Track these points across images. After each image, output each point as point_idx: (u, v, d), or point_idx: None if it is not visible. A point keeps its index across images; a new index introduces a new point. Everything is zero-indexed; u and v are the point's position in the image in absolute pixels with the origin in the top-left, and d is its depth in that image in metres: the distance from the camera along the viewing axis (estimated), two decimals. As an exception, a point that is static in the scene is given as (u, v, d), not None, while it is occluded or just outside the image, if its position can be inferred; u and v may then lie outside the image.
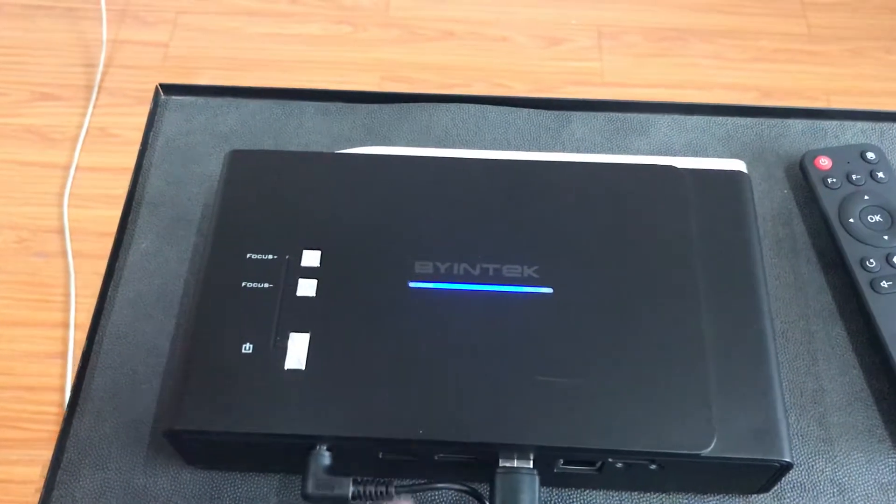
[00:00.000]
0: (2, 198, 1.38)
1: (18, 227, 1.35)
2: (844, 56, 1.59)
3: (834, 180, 0.51)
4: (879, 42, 1.61)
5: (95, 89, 1.49)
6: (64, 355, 1.24)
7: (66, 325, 1.26)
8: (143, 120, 0.58)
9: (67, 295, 1.28)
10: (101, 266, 0.52)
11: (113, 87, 1.51)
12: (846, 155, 0.53)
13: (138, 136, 0.57)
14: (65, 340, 1.24)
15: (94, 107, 1.49)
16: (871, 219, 0.50)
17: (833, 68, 1.57)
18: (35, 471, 1.13)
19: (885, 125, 0.57)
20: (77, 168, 1.41)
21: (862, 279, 0.48)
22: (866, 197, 0.51)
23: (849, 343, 0.49)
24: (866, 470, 0.45)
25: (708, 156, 0.55)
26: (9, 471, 1.13)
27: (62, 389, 1.21)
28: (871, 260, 0.48)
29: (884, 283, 0.48)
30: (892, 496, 0.44)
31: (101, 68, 1.52)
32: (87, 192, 1.39)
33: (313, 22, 1.58)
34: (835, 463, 0.45)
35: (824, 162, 0.52)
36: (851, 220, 0.50)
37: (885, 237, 0.49)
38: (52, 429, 1.16)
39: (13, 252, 1.33)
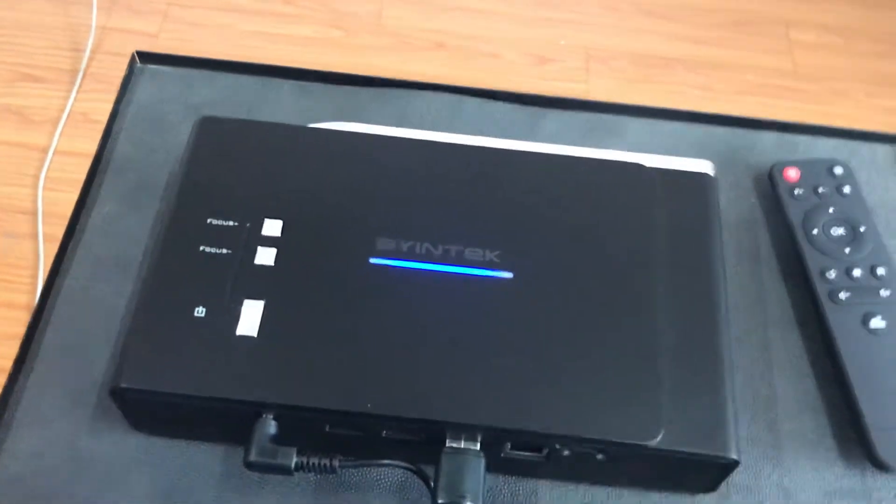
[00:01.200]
0: (-24, 176, 1.36)
1: (-10, 207, 1.33)
2: (828, 95, 1.61)
3: (801, 191, 0.52)
4: (863, 84, 1.63)
5: (80, 74, 1.48)
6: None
7: (29, 309, 1.24)
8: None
9: (35, 277, 1.26)
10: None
11: (98, 73, 1.50)
12: (814, 168, 0.53)
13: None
14: (27, 323, 1.22)
15: (78, 91, 1.48)
16: (834, 232, 0.50)
17: (816, 106, 1.58)
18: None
19: (854, 143, 0.58)
20: (55, 151, 1.39)
21: (821, 290, 0.49)
22: (831, 210, 0.51)
23: (804, 352, 0.49)
24: (812, 477, 0.45)
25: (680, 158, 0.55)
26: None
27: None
28: (832, 272, 0.49)
29: (842, 295, 0.48)
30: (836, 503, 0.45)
31: (87, 54, 1.50)
32: (63, 177, 1.37)
33: (306, 24, 1.57)
34: (782, 468, 0.46)
35: (793, 173, 0.53)
36: (815, 231, 0.50)
37: (847, 250, 0.50)
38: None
39: (-18, 231, 1.31)
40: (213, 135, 0.48)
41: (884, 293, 0.48)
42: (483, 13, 1.68)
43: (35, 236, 1.30)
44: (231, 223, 0.45)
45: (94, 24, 1.53)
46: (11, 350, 1.21)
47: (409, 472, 0.43)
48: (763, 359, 0.49)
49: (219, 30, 1.54)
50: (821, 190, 0.52)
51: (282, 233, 0.45)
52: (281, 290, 0.43)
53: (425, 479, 0.41)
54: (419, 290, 0.43)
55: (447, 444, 0.40)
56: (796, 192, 0.52)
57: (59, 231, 1.35)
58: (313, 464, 0.40)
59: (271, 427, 0.40)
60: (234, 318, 0.42)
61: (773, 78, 1.62)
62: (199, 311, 0.42)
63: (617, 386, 0.41)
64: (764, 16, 1.75)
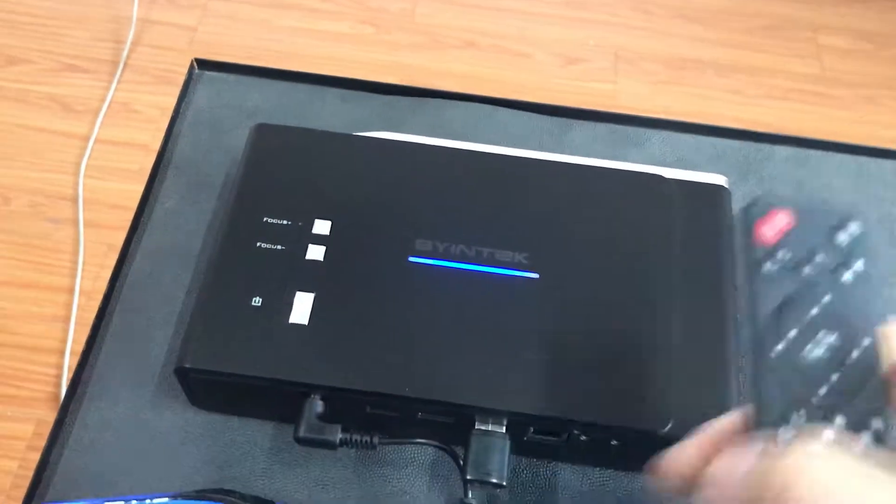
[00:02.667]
0: (21, 162, 1.42)
1: (34, 192, 1.39)
2: (857, 101, 1.63)
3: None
4: (892, 91, 1.65)
5: (121, 65, 1.53)
6: (66, 319, 1.27)
7: (71, 291, 1.29)
8: (166, 99, 0.62)
9: (75, 262, 1.32)
10: (111, 237, 0.56)
11: (138, 64, 1.55)
12: (813, 222, 0.32)
13: (159, 115, 0.61)
14: (68, 305, 1.28)
15: (119, 82, 1.53)
16: (816, 349, 0.30)
17: (845, 112, 1.61)
18: (27, 428, 1.16)
19: (863, 159, 0.61)
20: (96, 140, 1.44)
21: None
22: (814, 311, 0.30)
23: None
24: (811, 468, 0.49)
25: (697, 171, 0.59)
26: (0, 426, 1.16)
27: (62, 352, 1.24)
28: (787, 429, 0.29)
29: None
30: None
31: (128, 45, 1.56)
32: (103, 165, 1.42)
33: (340, 20, 1.62)
34: (783, 459, 0.49)
35: (781, 221, 0.32)
36: (792, 332, 0.30)
37: (822, 389, 0.29)
38: (49, 390, 1.19)
39: (27, 215, 1.37)
40: (267, 140, 0.53)
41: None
42: (514, 12, 1.72)
43: (76, 222, 1.36)
44: (285, 222, 0.49)
45: (134, 16, 1.59)
46: (57, 332, 1.26)
47: (440, 451, 0.47)
48: (769, 359, 0.53)
49: (256, 24, 1.60)
50: (817, 259, 0.31)
51: (331, 232, 0.49)
52: (329, 284, 0.47)
53: (455, 458, 0.46)
54: (453, 287, 0.48)
55: (476, 427, 0.44)
56: (779, 254, 0.31)
57: (99, 218, 1.40)
58: (355, 440, 0.45)
59: (319, 406, 0.45)
60: (287, 307, 0.46)
61: (801, 83, 1.64)
62: (256, 301, 0.46)
63: (631, 378, 0.45)
64: (794, 21, 1.77)
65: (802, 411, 0.29)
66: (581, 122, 0.62)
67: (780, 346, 0.30)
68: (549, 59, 1.62)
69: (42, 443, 0.48)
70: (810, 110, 1.59)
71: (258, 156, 0.52)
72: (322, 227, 0.49)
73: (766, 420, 0.29)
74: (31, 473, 0.47)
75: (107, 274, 0.54)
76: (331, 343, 0.45)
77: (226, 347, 0.45)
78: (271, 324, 0.46)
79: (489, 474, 0.43)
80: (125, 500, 0.43)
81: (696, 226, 0.50)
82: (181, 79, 0.62)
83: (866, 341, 0.30)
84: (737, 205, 0.57)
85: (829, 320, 0.30)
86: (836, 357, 0.30)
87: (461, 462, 0.45)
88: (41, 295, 1.28)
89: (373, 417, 0.46)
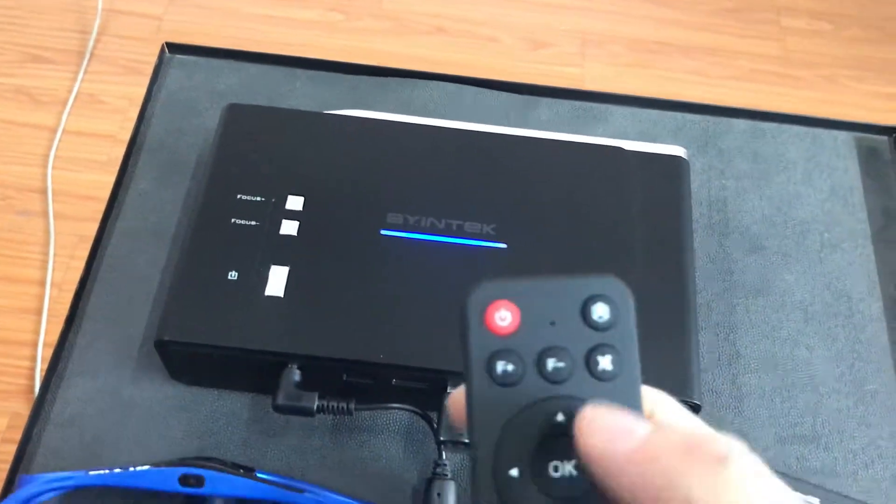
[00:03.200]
0: (-12, 156, 1.41)
1: (3, 185, 1.38)
2: (818, 81, 1.67)
3: (511, 368, 0.24)
4: (853, 71, 1.69)
5: (87, 56, 1.53)
6: (38, 312, 1.27)
7: (42, 283, 1.29)
8: (133, 89, 0.63)
9: (46, 254, 1.32)
10: (81, 228, 0.57)
11: (105, 55, 1.55)
12: (552, 305, 0.25)
13: (127, 105, 0.62)
14: (40, 298, 1.27)
15: (85, 73, 1.52)
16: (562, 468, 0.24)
17: (806, 92, 1.64)
18: (1, 421, 1.16)
19: (817, 130, 0.63)
20: (64, 132, 1.44)
21: None
22: (560, 417, 0.24)
23: (766, 315, 0.55)
24: (768, 424, 0.52)
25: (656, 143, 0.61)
26: (-28, 419, 1.15)
27: (35, 345, 1.24)
28: None
29: None
30: (788, 448, 0.51)
31: (94, 35, 1.55)
32: (72, 156, 1.42)
33: (309, 7, 1.62)
34: (742, 417, 0.52)
35: (504, 317, 0.25)
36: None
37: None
38: (22, 382, 1.19)
39: (-4, 209, 1.36)
40: (239, 120, 0.54)
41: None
42: (482, -3, 1.72)
43: (46, 214, 1.36)
44: (258, 198, 0.50)
45: (100, 6, 1.58)
46: (29, 324, 1.26)
47: (415, 416, 0.49)
48: (728, 322, 0.55)
49: (223, 13, 1.59)
50: (552, 365, 0.24)
51: (303, 207, 0.50)
52: (304, 257, 0.49)
53: (429, 421, 0.47)
54: (424, 258, 0.49)
55: (448, 391, 0.46)
56: (500, 368, 0.24)
57: (69, 209, 1.40)
58: (332, 406, 0.46)
59: (296, 375, 0.46)
60: (263, 281, 0.48)
61: (764, 64, 1.68)
62: (232, 275, 0.48)
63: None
64: (758, 3, 1.80)
65: None
66: (546, 99, 0.64)
67: (514, 471, 0.23)
68: (517, 43, 1.64)
69: (18, 435, 0.49)
70: (772, 90, 1.62)
71: (231, 135, 0.53)
72: (295, 202, 0.51)
73: None
74: (6, 466, 0.48)
75: (78, 265, 0.55)
76: (306, 314, 0.47)
77: (204, 320, 0.47)
78: (248, 296, 0.47)
79: (462, 435, 0.45)
80: (109, 470, 0.44)
81: (655, 194, 0.52)
82: (148, 68, 0.63)
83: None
84: (695, 176, 0.59)
85: (570, 439, 0.23)
86: (584, 482, 0.23)
87: (435, 425, 0.47)
88: (12, 288, 1.28)
89: (349, 385, 0.48)
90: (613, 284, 0.25)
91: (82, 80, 1.49)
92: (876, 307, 0.56)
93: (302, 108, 0.62)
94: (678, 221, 0.52)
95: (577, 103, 0.64)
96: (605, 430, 0.22)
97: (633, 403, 0.24)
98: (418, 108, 0.62)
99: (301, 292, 0.47)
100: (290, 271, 0.48)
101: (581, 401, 0.23)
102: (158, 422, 0.50)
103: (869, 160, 0.63)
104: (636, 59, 1.65)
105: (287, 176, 0.52)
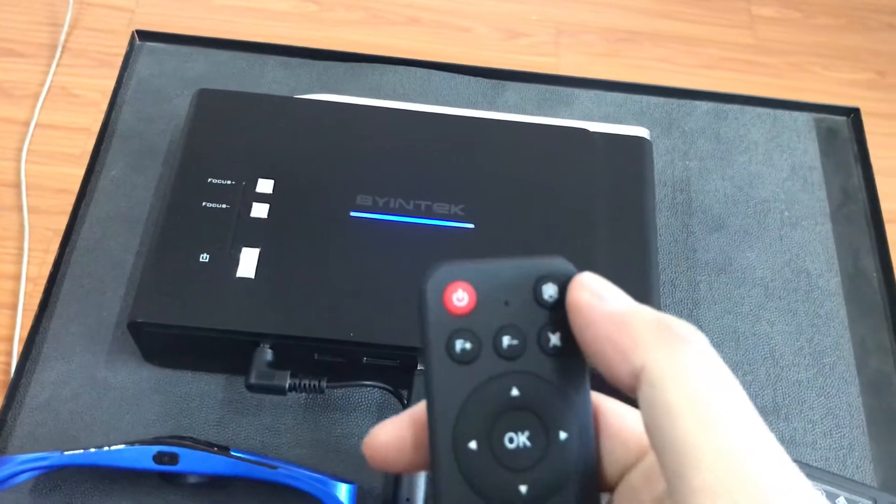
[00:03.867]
0: (-41, 151, 1.40)
1: (-25, 180, 1.37)
2: (787, 69, 1.69)
3: (469, 347, 0.25)
4: (821, 58, 1.71)
5: (59, 49, 1.52)
6: (14, 307, 1.26)
7: (17, 278, 1.28)
8: (106, 82, 0.63)
9: (21, 248, 1.31)
10: (56, 222, 0.57)
11: (77, 47, 1.54)
12: (506, 285, 0.26)
13: (100, 97, 0.62)
14: (15, 292, 1.27)
15: (57, 66, 1.51)
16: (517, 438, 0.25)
17: (775, 79, 1.66)
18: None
19: (778, 112, 0.65)
20: (37, 125, 1.43)
21: None
22: (515, 392, 0.25)
23: (728, 291, 0.57)
24: (731, 396, 0.53)
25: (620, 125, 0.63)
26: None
27: (10, 339, 1.23)
28: None
29: None
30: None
31: (66, 28, 1.54)
32: (45, 150, 1.41)
33: (281, -2, 1.62)
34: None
35: (461, 297, 0.25)
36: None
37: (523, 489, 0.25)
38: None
39: (-32, 204, 1.35)
40: (209, 105, 0.55)
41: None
42: (456, -13, 1.73)
43: (20, 208, 1.35)
44: (229, 182, 0.51)
45: (71, -1, 1.56)
46: (4, 319, 1.24)
47: (386, 394, 0.50)
48: (691, 299, 0.56)
49: (195, 4, 1.59)
50: (507, 342, 0.25)
51: (273, 190, 0.51)
52: (274, 239, 0.49)
53: (400, 398, 0.49)
54: (393, 238, 0.50)
55: (418, 368, 0.47)
56: (458, 347, 0.25)
57: (43, 203, 1.38)
58: (304, 385, 0.47)
59: (268, 355, 0.47)
60: (234, 263, 0.48)
61: (734, 52, 1.70)
62: (204, 257, 0.49)
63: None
64: (728, -10, 1.82)
65: None
66: (514, 83, 0.65)
67: (472, 444, 0.25)
68: (491, 33, 1.65)
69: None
70: (741, 78, 1.64)
71: (201, 120, 0.54)
72: (265, 185, 0.51)
73: None
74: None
75: (53, 259, 0.55)
76: (277, 294, 0.48)
77: (176, 302, 0.47)
78: (219, 278, 0.48)
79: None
80: (84, 450, 0.45)
81: (619, 174, 0.54)
82: (120, 61, 0.63)
83: (564, 433, 0.25)
84: (659, 157, 0.60)
85: (524, 412, 0.25)
86: (535, 453, 0.25)
87: (405, 402, 0.48)
88: (-14, 283, 1.27)
89: (321, 364, 0.48)
90: (561, 265, 0.26)
91: (55, 74, 1.48)
92: (834, 282, 0.58)
93: (271, 93, 0.62)
94: (642, 200, 0.53)
95: (545, 87, 0.65)
96: (596, 289, 0.25)
97: (581, 375, 0.25)
98: (388, 93, 0.63)
99: (272, 274, 0.48)
100: (260, 253, 0.49)
101: (536, 376, 0.25)
102: (133, 403, 0.51)
103: (828, 140, 0.64)
104: (609, 48, 1.67)
105: (257, 159, 0.52)
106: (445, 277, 0.25)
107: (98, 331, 0.53)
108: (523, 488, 0.25)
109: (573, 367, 0.25)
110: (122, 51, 0.64)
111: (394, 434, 0.26)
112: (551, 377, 0.25)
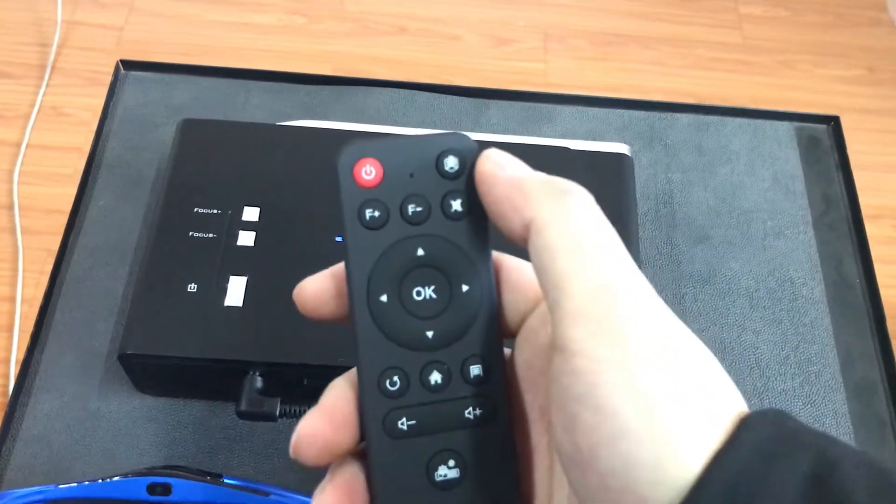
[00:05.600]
0: (-48, 173, 1.41)
1: (-32, 203, 1.38)
2: (777, 67, 1.70)
3: (378, 214, 0.28)
4: (810, 56, 1.72)
5: (49, 69, 1.52)
6: (9, 328, 1.26)
7: (12, 300, 1.29)
8: (96, 101, 0.63)
9: (15, 270, 1.32)
10: (50, 242, 0.58)
11: (66, 67, 1.54)
12: (410, 160, 0.28)
13: (90, 117, 0.63)
14: (10, 314, 1.27)
15: (47, 86, 1.52)
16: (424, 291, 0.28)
17: (765, 78, 1.67)
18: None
19: (759, 121, 0.66)
20: (28, 146, 1.43)
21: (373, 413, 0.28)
22: (421, 252, 0.28)
23: (713, 302, 0.57)
24: (718, 408, 0.54)
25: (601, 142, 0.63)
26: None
27: (7, 362, 1.24)
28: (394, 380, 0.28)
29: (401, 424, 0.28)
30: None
31: (54, 48, 1.55)
32: (37, 170, 1.42)
33: (269, 12, 1.63)
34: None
35: (369, 171, 0.28)
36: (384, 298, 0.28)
37: (430, 333, 0.28)
38: (-3, 400, 1.19)
39: (-37, 227, 1.36)
40: (194, 134, 0.55)
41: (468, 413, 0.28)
42: (445, -5, 1.74)
43: (13, 230, 1.36)
44: (215, 211, 0.52)
45: (59, 18, 1.58)
46: (1, 341, 1.25)
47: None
48: (677, 310, 0.57)
49: (184, 21, 1.60)
50: (412, 208, 0.28)
51: (259, 218, 0.52)
52: (261, 267, 0.50)
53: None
54: (379, 262, 0.51)
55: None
56: (368, 214, 0.28)
57: (36, 224, 1.39)
58: (294, 410, 0.48)
59: (258, 382, 0.48)
60: (222, 291, 0.49)
61: (723, 52, 1.71)
62: (192, 287, 0.49)
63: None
64: (715, -10, 1.83)
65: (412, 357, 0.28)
66: (497, 101, 0.66)
67: (384, 297, 0.28)
68: (481, 40, 1.66)
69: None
70: (731, 77, 1.65)
71: (186, 150, 0.54)
72: (251, 213, 0.52)
73: (369, 377, 0.28)
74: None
75: (48, 280, 0.56)
76: (265, 322, 0.48)
77: (166, 332, 0.48)
78: (207, 307, 0.49)
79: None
80: (78, 483, 0.45)
81: (601, 191, 0.54)
82: (109, 79, 0.64)
83: (465, 286, 0.28)
84: (642, 170, 0.61)
85: (429, 268, 0.28)
86: (441, 303, 0.28)
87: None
88: (-19, 306, 1.28)
89: (310, 389, 0.49)
90: (461, 139, 0.28)
91: (45, 94, 1.49)
92: (818, 290, 0.58)
93: (256, 120, 0.63)
94: (624, 216, 0.54)
95: (528, 104, 0.66)
96: (498, 160, 0.28)
97: (481, 236, 0.28)
98: (372, 115, 0.64)
99: (259, 301, 0.49)
100: (248, 281, 0.49)
101: (440, 238, 0.28)
102: (126, 433, 0.51)
103: (809, 148, 0.65)
104: (597, 52, 1.68)
105: (242, 188, 0.53)
106: (355, 155, 0.28)
107: (90, 361, 0.53)
108: (430, 333, 0.28)
109: (473, 229, 0.28)
110: (112, 69, 0.64)
111: (318, 285, 0.30)
112: (454, 238, 0.28)
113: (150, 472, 0.46)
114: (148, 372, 0.49)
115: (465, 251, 0.28)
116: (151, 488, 0.44)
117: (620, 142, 0.63)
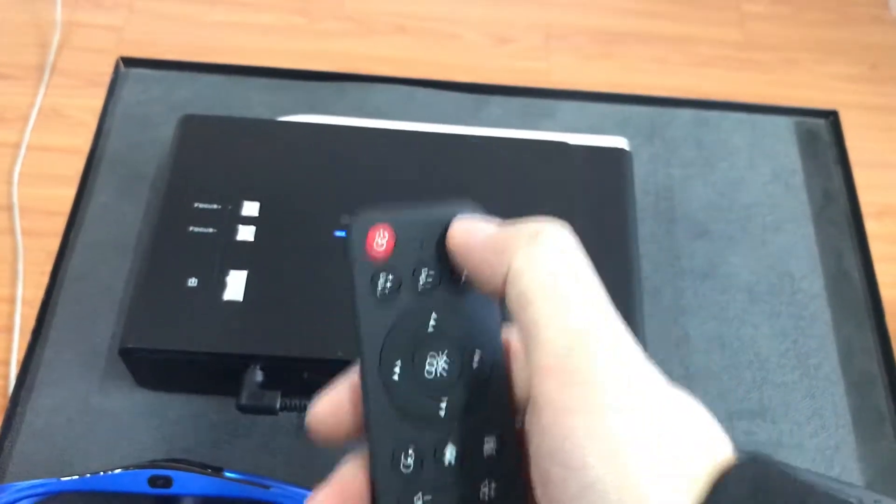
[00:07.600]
0: (-49, 174, 1.40)
1: (-32, 205, 1.38)
2: (779, 64, 1.70)
3: (390, 284, 0.28)
4: (812, 53, 1.72)
5: (48, 70, 1.52)
6: (10, 330, 1.26)
7: (12, 301, 1.28)
8: (96, 102, 0.64)
9: (15, 271, 1.31)
10: (50, 243, 0.58)
11: (66, 68, 1.54)
12: (421, 229, 0.29)
13: (90, 118, 0.63)
14: (10, 315, 1.27)
15: (47, 87, 1.51)
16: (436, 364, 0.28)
17: (767, 75, 1.67)
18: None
19: (758, 116, 0.66)
20: (28, 147, 1.43)
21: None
22: (432, 323, 0.28)
23: (713, 297, 0.58)
24: (719, 401, 0.54)
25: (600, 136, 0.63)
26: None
27: (7, 363, 1.24)
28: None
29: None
30: (736, 422, 0.53)
31: (54, 49, 1.54)
32: (37, 172, 1.41)
33: (269, 12, 1.63)
34: (693, 395, 0.54)
35: (381, 242, 0.28)
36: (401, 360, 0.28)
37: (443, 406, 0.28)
38: (-4, 400, 1.19)
39: (-38, 228, 1.36)
40: (194, 130, 0.56)
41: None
42: (445, -6, 1.74)
43: (13, 231, 1.36)
44: (215, 206, 0.52)
45: (58, 19, 1.58)
46: (0, 342, 1.25)
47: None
48: (677, 305, 0.57)
49: (183, 21, 1.59)
50: (424, 278, 0.28)
51: (259, 213, 0.52)
52: (261, 261, 0.50)
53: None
54: (379, 257, 0.51)
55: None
56: (381, 284, 0.28)
57: (36, 226, 1.39)
58: (295, 404, 0.48)
59: (258, 375, 0.48)
60: (222, 286, 0.49)
61: (725, 49, 1.70)
62: (192, 282, 0.49)
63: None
64: (717, -12, 1.82)
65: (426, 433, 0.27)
66: (497, 97, 0.66)
67: (396, 369, 0.28)
68: (482, 39, 1.65)
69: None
70: (733, 75, 1.64)
71: (186, 145, 0.55)
72: (251, 208, 0.52)
73: (382, 455, 0.27)
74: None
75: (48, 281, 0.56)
76: (265, 316, 0.48)
77: (166, 326, 0.48)
78: (208, 302, 0.49)
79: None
80: (80, 476, 0.45)
81: (599, 186, 0.54)
82: (110, 77, 0.64)
83: (477, 355, 0.28)
84: (642, 165, 0.61)
85: (441, 338, 0.28)
86: (452, 375, 0.28)
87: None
88: (-19, 307, 1.28)
89: (310, 382, 0.49)
90: (469, 209, 0.29)
91: (44, 95, 1.49)
92: (818, 284, 0.59)
93: (257, 116, 0.63)
94: (622, 210, 0.54)
95: (528, 100, 0.66)
96: (467, 228, 0.28)
97: (488, 306, 0.28)
98: (372, 111, 0.64)
99: (259, 295, 0.49)
100: (248, 275, 0.50)
101: (450, 308, 0.28)
102: (127, 428, 0.51)
103: (808, 143, 0.65)
104: (600, 50, 1.67)
105: (242, 183, 0.53)
106: (368, 222, 0.28)
107: (91, 357, 0.53)
108: (443, 406, 0.27)
109: (482, 299, 0.28)
110: (112, 69, 0.64)
111: (333, 400, 0.29)
112: (463, 309, 0.28)
113: (151, 464, 0.46)
114: (148, 366, 0.49)
115: (474, 321, 0.28)
116: (153, 481, 0.45)
117: (621, 136, 0.63)
